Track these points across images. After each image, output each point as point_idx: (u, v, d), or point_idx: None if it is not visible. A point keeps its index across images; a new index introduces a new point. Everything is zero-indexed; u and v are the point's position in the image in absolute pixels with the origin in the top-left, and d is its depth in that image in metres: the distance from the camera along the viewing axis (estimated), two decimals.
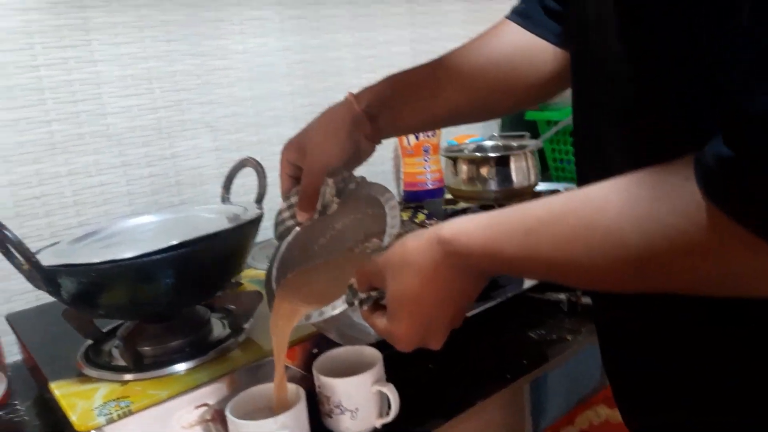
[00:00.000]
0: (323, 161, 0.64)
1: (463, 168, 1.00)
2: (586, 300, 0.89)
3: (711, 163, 0.31)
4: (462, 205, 1.13)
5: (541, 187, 1.25)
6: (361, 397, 0.63)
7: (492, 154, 1.00)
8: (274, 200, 1.18)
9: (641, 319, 0.49)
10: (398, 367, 0.78)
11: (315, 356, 0.68)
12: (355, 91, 0.71)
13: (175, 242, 0.61)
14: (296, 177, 0.67)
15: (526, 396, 0.78)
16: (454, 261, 0.44)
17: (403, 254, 0.46)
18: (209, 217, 0.77)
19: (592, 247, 0.37)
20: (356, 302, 0.50)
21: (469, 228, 0.43)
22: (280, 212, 0.69)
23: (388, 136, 0.71)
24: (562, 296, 0.91)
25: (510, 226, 0.41)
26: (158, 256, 0.60)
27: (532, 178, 1.04)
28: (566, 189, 1.23)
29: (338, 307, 0.51)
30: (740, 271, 0.33)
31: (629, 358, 0.54)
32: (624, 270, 0.36)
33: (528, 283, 0.91)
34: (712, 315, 0.42)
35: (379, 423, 0.65)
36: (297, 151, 0.67)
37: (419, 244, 0.45)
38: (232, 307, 0.76)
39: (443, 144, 1.32)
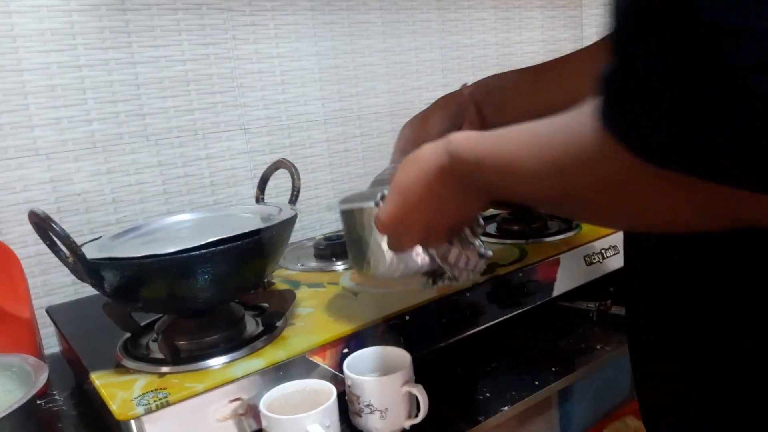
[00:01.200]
0: (423, 137, 0.70)
1: None
2: (617, 310, 0.89)
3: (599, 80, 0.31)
4: (492, 211, 1.13)
5: None
6: (390, 398, 0.64)
7: None
8: (307, 202, 1.20)
9: (674, 335, 0.48)
10: (428, 369, 0.79)
11: (345, 356, 0.69)
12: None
13: (213, 239, 0.62)
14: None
15: (554, 405, 0.78)
16: (453, 165, 0.45)
17: (417, 152, 0.49)
18: (245, 217, 0.79)
19: (530, 152, 0.38)
20: (378, 198, 0.54)
21: (470, 134, 0.45)
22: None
23: (493, 125, 0.72)
24: (592, 305, 0.91)
25: (495, 135, 0.42)
26: (197, 252, 0.61)
27: None
28: None
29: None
30: (627, 190, 0.33)
31: (659, 374, 0.53)
32: (548, 175, 0.37)
33: (557, 291, 0.91)
34: (746, 334, 0.41)
35: (407, 424, 0.66)
36: (410, 127, 0.75)
37: (433, 145, 0.47)
38: (265, 305, 0.77)
39: None
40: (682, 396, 0.49)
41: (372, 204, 0.55)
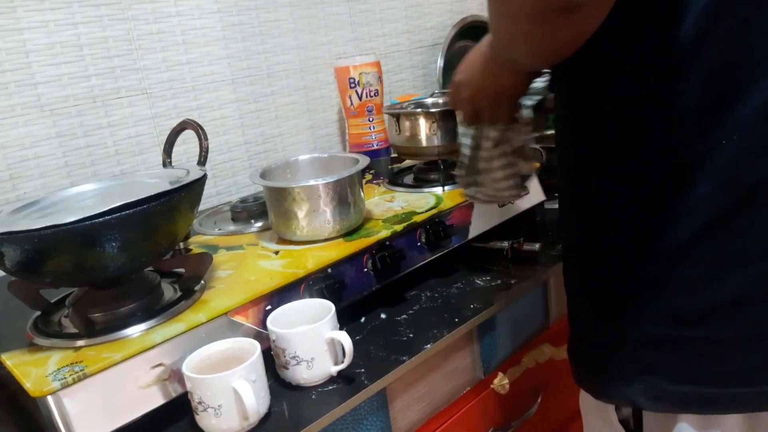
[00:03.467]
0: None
1: (406, 125, 1.02)
2: (528, 246, 0.93)
3: None
4: (408, 162, 1.15)
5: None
6: (315, 347, 0.65)
7: (433, 110, 1.01)
8: (221, 165, 1.18)
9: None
10: (352, 317, 0.81)
11: (269, 313, 0.70)
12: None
13: (117, 204, 0.60)
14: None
15: (475, 339, 0.82)
16: (489, 46, 0.68)
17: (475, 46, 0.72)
18: (151, 182, 0.76)
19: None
20: None
21: None
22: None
23: None
24: (506, 244, 0.95)
25: None
26: (101, 219, 0.59)
27: None
28: None
29: None
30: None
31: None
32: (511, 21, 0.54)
33: (473, 233, 0.95)
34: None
35: (335, 370, 0.67)
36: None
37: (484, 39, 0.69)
38: (182, 270, 0.76)
39: (386, 103, 1.33)
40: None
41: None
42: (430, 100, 1.15)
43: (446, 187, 1.00)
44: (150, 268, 0.76)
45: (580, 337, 0.68)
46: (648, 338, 0.58)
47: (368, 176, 1.16)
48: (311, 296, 0.74)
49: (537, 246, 0.93)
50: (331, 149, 1.38)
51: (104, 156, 1.05)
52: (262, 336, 0.69)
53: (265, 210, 0.93)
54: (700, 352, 0.56)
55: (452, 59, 1.49)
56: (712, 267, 0.54)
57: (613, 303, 0.61)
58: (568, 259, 0.69)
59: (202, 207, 0.79)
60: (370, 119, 1.27)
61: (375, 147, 1.29)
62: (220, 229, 0.96)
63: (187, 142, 1.05)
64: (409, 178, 1.11)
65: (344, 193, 0.83)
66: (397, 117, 1.03)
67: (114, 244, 0.62)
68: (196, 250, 0.87)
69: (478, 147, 0.77)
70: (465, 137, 0.78)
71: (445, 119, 0.99)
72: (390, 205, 0.96)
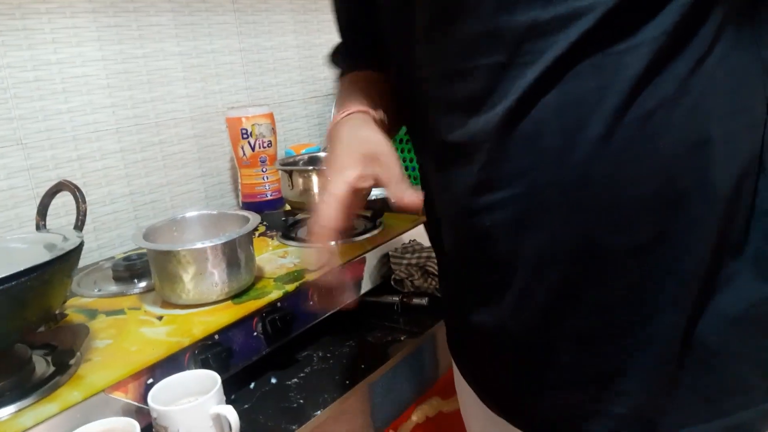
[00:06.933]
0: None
1: (299, 181, 1.03)
2: (417, 301, 0.96)
3: None
4: (301, 215, 1.15)
5: (375, 192, 1.31)
6: (199, 424, 0.63)
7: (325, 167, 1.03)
8: (104, 218, 1.12)
9: None
10: (240, 384, 0.79)
11: (150, 387, 0.67)
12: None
13: None
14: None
15: (366, 399, 0.82)
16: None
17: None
18: (23, 248, 0.72)
19: None
20: None
21: None
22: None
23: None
24: (395, 299, 0.97)
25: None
26: None
27: None
28: None
29: None
30: None
31: None
32: None
33: (365, 287, 0.96)
34: None
35: None
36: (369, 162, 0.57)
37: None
38: (55, 343, 0.71)
39: (280, 153, 1.33)
40: None
41: None
42: (323, 154, 1.17)
43: (339, 241, 1.01)
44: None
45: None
46: None
47: (261, 228, 1.15)
48: (196, 366, 0.72)
49: (425, 300, 0.96)
50: (223, 197, 1.36)
51: None
52: (143, 412, 0.66)
53: (149, 268, 0.89)
54: None
55: None
56: None
57: None
58: None
59: (81, 263, 0.75)
60: (264, 170, 1.27)
61: (269, 197, 1.28)
62: (100, 290, 0.91)
63: (63, 195, 1.00)
64: (302, 231, 1.11)
65: (234, 254, 0.82)
66: (289, 173, 1.04)
67: None
68: (72, 315, 0.82)
69: None
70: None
71: None
72: (282, 262, 0.95)
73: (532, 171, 0.48)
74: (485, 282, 0.56)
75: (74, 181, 0.83)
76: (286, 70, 1.45)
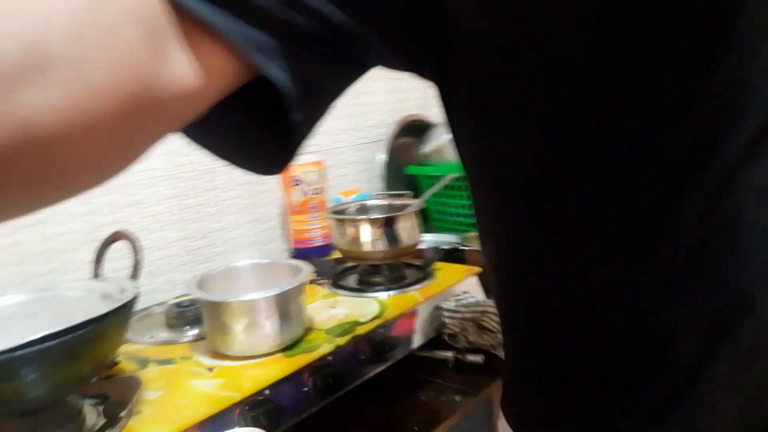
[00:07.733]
0: None
1: (349, 230, 1.01)
2: (472, 358, 0.92)
3: None
4: (350, 263, 1.14)
5: (427, 239, 1.29)
6: None
7: (376, 216, 1.02)
8: (157, 262, 1.13)
9: None
10: None
11: None
12: None
13: (39, 335, 0.56)
14: None
15: None
16: None
17: None
18: (79, 296, 0.72)
19: None
20: None
21: None
22: None
23: None
24: (449, 354, 0.94)
25: None
26: (19, 353, 0.55)
27: (416, 235, 1.07)
28: (449, 242, 1.28)
29: None
30: None
31: None
32: None
33: (417, 342, 0.93)
34: None
35: None
36: None
37: None
38: (107, 393, 0.70)
39: (329, 197, 1.33)
40: None
41: None
42: (373, 202, 1.16)
43: (390, 292, 0.99)
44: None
45: None
46: None
47: (311, 275, 1.13)
48: (246, 423, 0.70)
49: (480, 358, 0.92)
50: (273, 242, 1.35)
51: (32, 253, 0.99)
52: None
53: (201, 315, 0.89)
54: None
55: (393, 154, 1.52)
56: None
57: None
58: None
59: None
60: (314, 216, 1.27)
61: (320, 243, 1.27)
62: (151, 337, 0.91)
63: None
64: (353, 279, 1.10)
65: (286, 306, 0.81)
66: (340, 222, 1.03)
67: (32, 376, 0.57)
68: (124, 362, 0.82)
69: None
70: None
71: (389, 225, 1.00)
72: (333, 312, 0.94)
73: None
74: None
75: (130, 226, 0.84)
76: (335, 118, 1.46)
